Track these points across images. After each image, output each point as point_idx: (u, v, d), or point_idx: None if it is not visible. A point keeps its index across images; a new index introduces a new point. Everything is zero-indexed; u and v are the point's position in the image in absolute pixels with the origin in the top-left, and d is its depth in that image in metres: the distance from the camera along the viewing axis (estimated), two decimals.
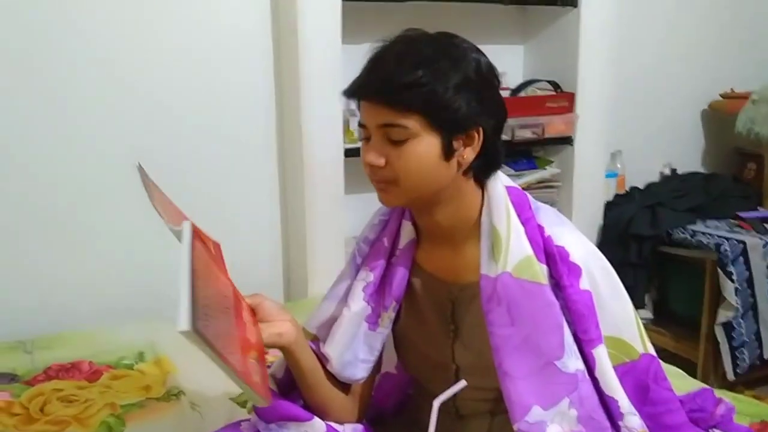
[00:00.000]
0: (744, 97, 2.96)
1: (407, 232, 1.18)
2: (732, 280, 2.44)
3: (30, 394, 1.68)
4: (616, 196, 2.92)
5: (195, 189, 2.26)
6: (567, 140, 2.65)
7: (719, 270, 2.46)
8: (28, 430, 1.53)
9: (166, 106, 2.20)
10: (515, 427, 1.05)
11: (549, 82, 2.66)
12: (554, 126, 2.59)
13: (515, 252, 1.07)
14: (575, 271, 1.08)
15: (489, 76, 1.07)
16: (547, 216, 1.12)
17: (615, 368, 1.09)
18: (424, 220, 1.14)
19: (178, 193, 2.18)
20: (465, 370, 1.16)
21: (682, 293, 2.78)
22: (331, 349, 1.17)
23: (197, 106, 2.24)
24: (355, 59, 2.43)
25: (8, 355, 1.86)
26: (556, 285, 1.08)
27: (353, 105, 2.38)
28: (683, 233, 2.62)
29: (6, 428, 1.53)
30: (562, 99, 2.60)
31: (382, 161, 1.03)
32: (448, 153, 1.04)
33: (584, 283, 1.08)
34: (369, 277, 1.16)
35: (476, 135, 1.05)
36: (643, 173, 3.06)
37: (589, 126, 2.66)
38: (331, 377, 1.19)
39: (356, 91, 1.05)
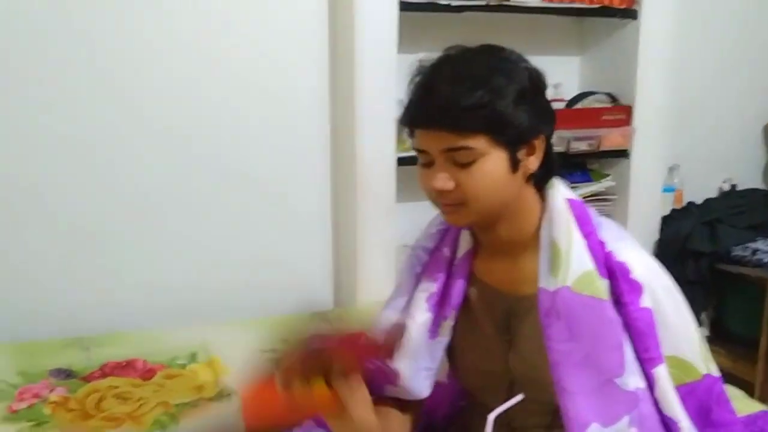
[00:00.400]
0: None
1: (465, 241, 1.18)
2: None
3: (86, 390, 1.72)
4: (673, 210, 2.86)
5: (247, 194, 2.30)
6: (623, 153, 2.60)
7: None
8: (84, 426, 1.57)
9: (219, 111, 2.24)
10: None
11: (606, 94, 2.62)
12: (611, 138, 2.56)
13: (575, 266, 1.06)
14: (636, 288, 1.06)
15: (540, 82, 1.07)
16: (609, 231, 1.11)
17: (676, 389, 1.07)
18: (485, 233, 1.14)
19: (230, 201, 2.26)
20: (519, 381, 1.15)
21: (740, 312, 2.70)
22: (402, 365, 1.15)
23: (250, 114, 2.27)
24: (410, 69, 2.43)
25: (65, 351, 1.92)
26: (616, 302, 1.06)
27: None
28: (743, 251, 2.55)
29: (62, 423, 1.58)
30: (619, 112, 2.56)
31: (451, 185, 1.03)
32: (514, 165, 1.04)
33: (645, 301, 1.06)
34: (431, 287, 1.16)
35: (538, 143, 1.06)
36: (701, 188, 2.99)
37: (647, 139, 2.61)
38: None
39: (416, 121, 1.05)
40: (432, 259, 1.19)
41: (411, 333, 1.15)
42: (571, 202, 1.11)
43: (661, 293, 1.08)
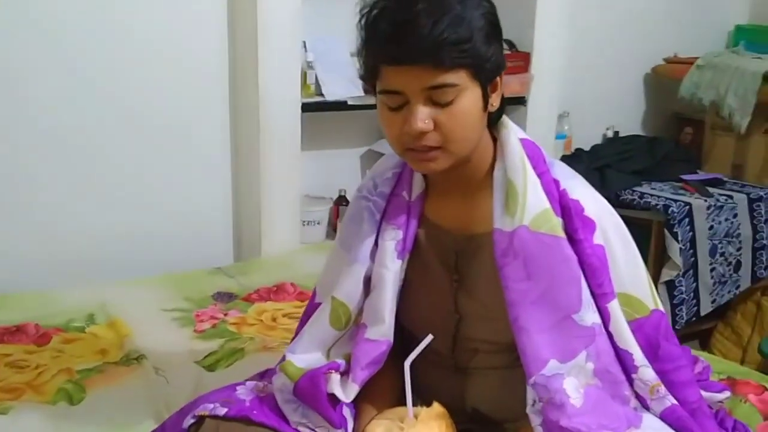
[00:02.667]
0: (687, 62, 3.01)
1: (418, 184, 1.15)
2: (678, 241, 2.51)
3: None
4: (564, 157, 2.93)
5: (142, 145, 2.15)
6: (521, 100, 2.63)
7: (666, 231, 2.52)
8: None
9: (113, 57, 2.06)
10: (531, 380, 1.03)
11: (504, 41, 2.62)
12: (509, 86, 2.56)
13: (532, 205, 1.05)
14: (589, 225, 1.07)
15: (497, 15, 1.04)
16: (562, 170, 1.12)
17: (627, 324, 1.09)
18: (441, 174, 1.10)
19: (124, 153, 2.09)
20: (467, 320, 1.14)
21: None
22: (386, 314, 1.11)
23: (145, 59, 2.11)
24: (314, 10, 2.33)
25: None
26: (570, 239, 1.07)
27: (311, 58, 2.30)
28: (631, 194, 2.67)
29: None
30: (518, 58, 2.58)
31: (431, 125, 0.99)
32: (486, 103, 1.03)
33: (598, 238, 1.07)
34: (398, 234, 1.13)
35: (499, 80, 1.05)
36: (586, 135, 3.08)
37: (543, 87, 2.65)
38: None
39: (398, 57, 0.97)
40: (392, 205, 1.15)
41: (388, 283, 1.12)
42: (524, 141, 1.10)
43: (612, 232, 1.09)
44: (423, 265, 1.16)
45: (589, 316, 1.05)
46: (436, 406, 1.04)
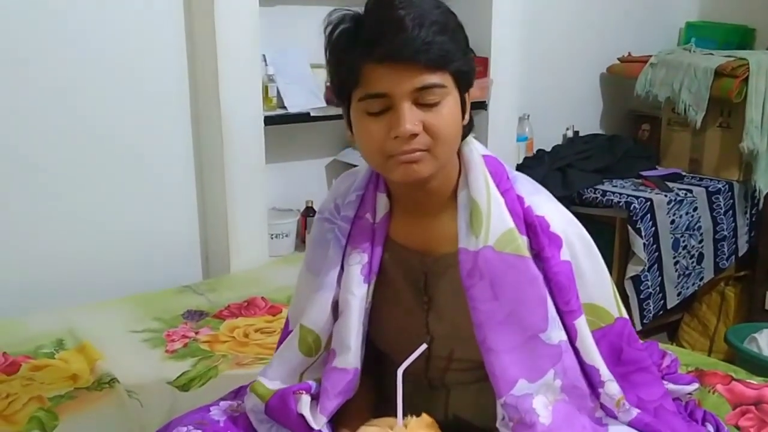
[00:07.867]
0: (641, 61, 3.07)
1: (383, 205, 1.13)
2: (641, 236, 2.56)
3: None
4: (526, 158, 2.97)
5: (104, 164, 2.12)
6: (481, 105, 2.66)
7: (629, 227, 2.57)
8: None
9: (71, 76, 2.03)
10: (501, 401, 1.04)
11: None
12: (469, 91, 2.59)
13: (497, 225, 1.05)
14: (556, 241, 1.07)
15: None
16: (525, 185, 1.12)
17: (591, 333, 1.10)
18: (408, 193, 1.10)
19: (86, 173, 2.06)
20: (439, 340, 1.14)
21: None
22: (352, 340, 1.11)
23: (104, 80, 2.08)
24: (273, 22, 2.33)
25: None
26: (537, 256, 1.07)
27: (271, 71, 2.30)
28: (594, 193, 2.71)
29: None
30: (477, 64, 2.58)
31: (420, 127, 0.99)
32: (463, 112, 1.05)
33: (564, 254, 1.07)
34: (363, 258, 1.12)
35: (468, 96, 1.06)
36: (547, 136, 3.12)
37: (502, 91, 2.68)
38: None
39: (391, 55, 0.96)
40: (356, 228, 1.14)
41: (354, 309, 1.11)
42: (486, 158, 1.10)
43: (577, 244, 1.10)
44: (391, 288, 1.15)
45: (556, 333, 1.06)
46: (425, 417, 1.04)
